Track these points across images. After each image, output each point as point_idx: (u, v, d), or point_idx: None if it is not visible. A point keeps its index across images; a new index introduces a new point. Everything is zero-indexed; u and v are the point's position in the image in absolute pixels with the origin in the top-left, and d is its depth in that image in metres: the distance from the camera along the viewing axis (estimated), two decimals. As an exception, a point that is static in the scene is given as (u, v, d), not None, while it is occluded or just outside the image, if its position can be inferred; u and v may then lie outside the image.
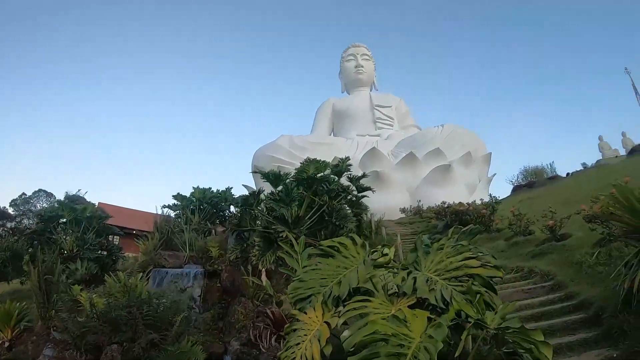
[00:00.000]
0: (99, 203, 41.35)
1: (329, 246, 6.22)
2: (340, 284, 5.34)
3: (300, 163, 16.50)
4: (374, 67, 55.23)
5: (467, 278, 4.96)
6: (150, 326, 10.47)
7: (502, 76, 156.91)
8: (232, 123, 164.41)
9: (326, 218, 15.47)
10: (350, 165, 19.29)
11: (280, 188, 15.94)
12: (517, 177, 41.72)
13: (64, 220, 20.75)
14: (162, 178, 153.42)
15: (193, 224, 21.67)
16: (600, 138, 48.06)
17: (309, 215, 15.40)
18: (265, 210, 15.83)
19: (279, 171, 16.09)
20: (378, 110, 49.05)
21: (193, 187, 23.73)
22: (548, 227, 13.18)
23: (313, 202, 15.52)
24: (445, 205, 21.70)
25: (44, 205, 41.18)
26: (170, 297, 12.04)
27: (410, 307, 4.61)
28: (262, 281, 14.28)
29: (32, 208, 41.84)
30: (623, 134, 47.48)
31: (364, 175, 19.94)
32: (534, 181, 35.19)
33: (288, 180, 16.19)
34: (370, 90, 53.85)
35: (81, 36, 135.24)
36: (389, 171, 35.04)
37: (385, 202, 31.88)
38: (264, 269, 14.75)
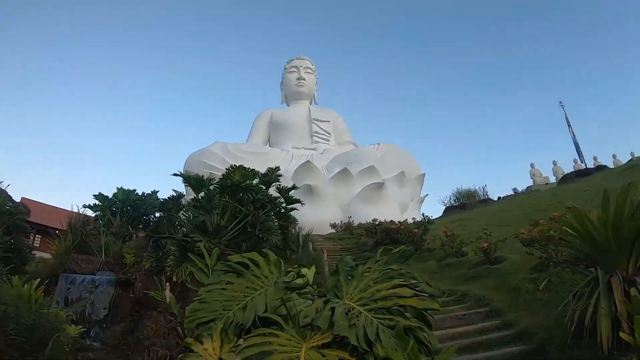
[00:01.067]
0: (22, 198, 38.94)
1: (238, 262, 5.01)
2: (245, 309, 4.15)
3: (226, 169, 15.27)
4: (316, 81, 54.39)
5: (397, 309, 3.98)
6: (18, 347, 8.61)
7: (439, 101, 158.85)
8: (169, 127, 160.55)
9: (249, 229, 14.26)
10: (280, 175, 18.24)
11: (202, 194, 14.67)
12: (450, 198, 41.41)
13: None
14: (96, 176, 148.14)
15: (113, 227, 20.02)
16: (532, 165, 49.30)
17: (231, 226, 14.26)
18: (186, 217, 14.67)
19: (202, 176, 14.73)
20: (316, 124, 48.24)
21: (117, 188, 22.02)
22: (482, 250, 12.33)
23: (239, 211, 14.49)
24: (377, 223, 20.67)
25: None
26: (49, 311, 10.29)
27: (326, 345, 3.56)
28: (166, 296, 13.03)
29: None
30: (554, 163, 48.87)
31: (293, 187, 18.85)
32: (466, 203, 34.96)
33: (212, 187, 14.91)
34: (310, 104, 52.93)
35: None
36: (322, 185, 34.24)
37: (317, 216, 31.30)
38: (167, 284, 13.38)
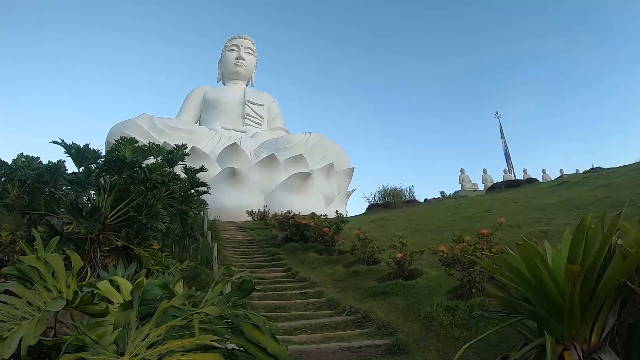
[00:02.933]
0: None
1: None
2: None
3: (115, 141, 13.10)
4: (256, 63, 51.88)
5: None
6: None
7: (375, 98, 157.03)
8: (99, 98, 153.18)
9: (131, 213, 12.00)
10: (186, 155, 15.98)
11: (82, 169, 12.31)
12: (375, 195, 39.59)
13: None
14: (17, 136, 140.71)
15: (9, 197, 17.35)
16: (461, 171, 48.48)
17: (117, 209, 11.94)
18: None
19: (86, 145, 12.35)
20: (249, 106, 46.00)
21: (18, 155, 19.25)
22: (396, 260, 10.34)
23: (129, 192, 12.14)
24: (290, 215, 18.54)
25: None
26: None
27: None
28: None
29: None
30: (484, 171, 48.45)
31: (201, 169, 16.54)
32: (390, 202, 33.20)
33: (100, 161, 12.56)
34: (247, 86, 50.51)
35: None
36: (247, 170, 32.34)
37: (237, 202, 30.07)
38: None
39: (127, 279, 9.78)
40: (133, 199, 12.21)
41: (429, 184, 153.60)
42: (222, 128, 42.09)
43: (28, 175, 13.33)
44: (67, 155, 12.69)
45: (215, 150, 34.42)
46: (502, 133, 49.40)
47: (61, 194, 12.42)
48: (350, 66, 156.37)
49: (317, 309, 10.05)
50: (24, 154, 18.49)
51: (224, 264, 14.09)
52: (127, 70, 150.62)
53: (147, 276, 11.11)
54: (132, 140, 13.19)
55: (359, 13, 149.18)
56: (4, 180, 16.80)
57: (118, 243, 11.28)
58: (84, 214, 11.55)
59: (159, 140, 26.06)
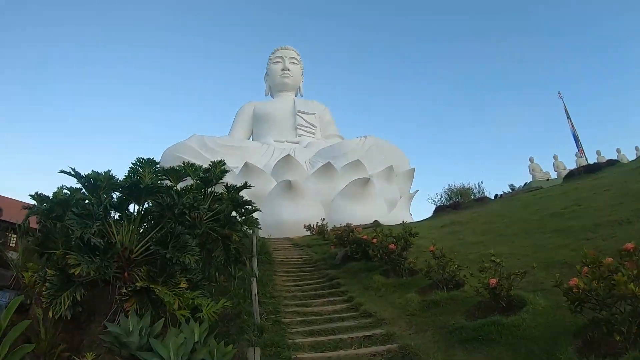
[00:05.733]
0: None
1: None
2: None
3: (132, 163, 11.07)
4: (302, 72, 49.68)
5: None
6: None
7: (430, 92, 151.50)
8: (146, 120, 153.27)
9: (151, 248, 9.77)
10: (226, 171, 13.71)
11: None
12: (441, 196, 36.22)
13: None
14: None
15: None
16: (530, 160, 43.63)
17: (142, 243, 9.99)
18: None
19: (96, 174, 10.19)
20: (300, 116, 43.76)
21: (58, 188, 17.33)
22: (489, 288, 7.52)
23: (157, 222, 10.48)
24: (349, 229, 15.79)
25: None
26: None
27: None
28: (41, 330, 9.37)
29: None
30: (555, 157, 43.64)
31: (245, 186, 14.21)
32: (459, 202, 29.96)
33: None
34: (296, 96, 48.40)
35: None
36: (303, 181, 30.16)
37: (295, 215, 27.93)
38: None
39: (140, 332, 8.16)
40: (161, 229, 9.99)
41: (495, 178, 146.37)
42: (274, 141, 40.27)
43: (39, 210, 11.33)
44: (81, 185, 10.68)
45: (270, 164, 32.54)
46: (567, 114, 45.59)
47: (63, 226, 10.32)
48: (398, 60, 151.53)
49: (386, 362, 7.56)
50: (65, 187, 16.44)
51: (272, 296, 11.62)
52: (176, 94, 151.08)
53: (171, 323, 8.56)
54: (153, 162, 11.09)
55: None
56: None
57: (137, 284, 9.02)
58: (97, 252, 9.42)
59: (211, 159, 24.27)
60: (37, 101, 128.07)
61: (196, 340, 8.03)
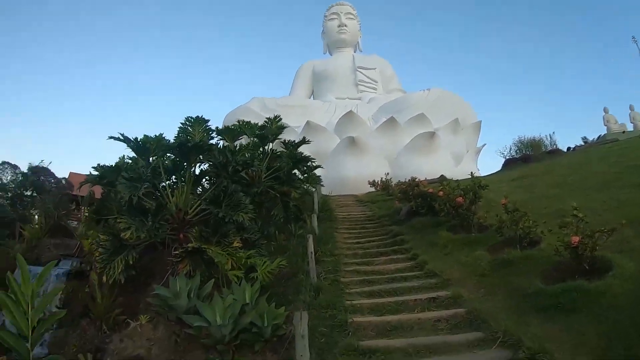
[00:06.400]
0: (70, 173, 36.67)
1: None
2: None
3: (181, 123, 10.42)
4: (359, 27, 48.29)
5: None
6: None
7: (497, 40, 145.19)
8: (205, 83, 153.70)
9: (203, 207, 9.34)
10: (283, 127, 13.10)
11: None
12: (510, 149, 34.61)
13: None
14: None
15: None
16: (605, 110, 40.24)
17: (195, 204, 9.74)
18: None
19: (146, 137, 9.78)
20: (360, 72, 42.65)
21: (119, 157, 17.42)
22: (570, 247, 6.60)
23: (214, 181, 10.44)
24: (414, 183, 14.90)
25: (10, 177, 36.42)
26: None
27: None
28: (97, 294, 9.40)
29: None
30: (631, 108, 40.01)
31: (304, 141, 13.59)
32: (529, 155, 28.53)
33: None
34: (354, 52, 47.14)
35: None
36: (367, 137, 29.39)
37: (359, 172, 27.23)
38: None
39: (189, 294, 7.92)
40: (216, 189, 9.54)
41: (567, 130, 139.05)
42: (336, 99, 39.45)
43: (93, 179, 11.11)
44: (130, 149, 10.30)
45: (332, 121, 31.90)
46: (643, 58, 42.72)
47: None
48: (460, 9, 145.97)
49: (452, 328, 6.83)
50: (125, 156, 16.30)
51: (332, 254, 11.02)
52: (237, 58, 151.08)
53: (226, 284, 8.51)
54: (203, 120, 10.68)
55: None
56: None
57: (189, 245, 8.62)
58: (148, 215, 9.05)
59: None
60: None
61: (246, 301, 7.58)
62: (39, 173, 31.22)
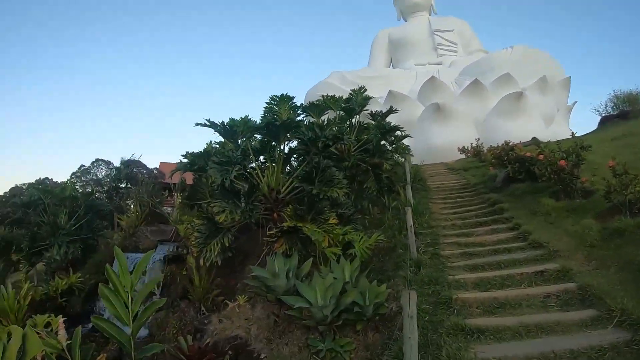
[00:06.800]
0: (160, 163, 39.15)
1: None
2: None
3: (266, 103, 10.41)
4: (432, -11, 46.65)
5: None
6: None
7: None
8: (284, 61, 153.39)
9: (295, 185, 9.24)
10: (368, 97, 12.82)
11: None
12: (606, 105, 32.35)
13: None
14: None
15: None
16: None
17: (287, 183, 9.70)
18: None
19: (232, 121, 9.69)
20: (438, 35, 41.04)
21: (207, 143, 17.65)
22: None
23: (304, 158, 10.20)
24: (509, 147, 14.19)
25: (104, 172, 39.36)
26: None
27: None
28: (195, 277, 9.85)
29: (93, 177, 39.07)
30: None
31: (391, 110, 13.26)
32: (627, 111, 26.71)
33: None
34: (429, 15, 45.41)
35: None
36: (452, 102, 28.31)
37: (446, 139, 26.47)
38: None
39: (287, 274, 7.83)
40: (307, 166, 9.41)
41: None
42: (416, 65, 38.28)
43: (182, 165, 11.26)
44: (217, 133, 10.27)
45: (414, 89, 30.93)
46: None
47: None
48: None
49: (562, 305, 6.36)
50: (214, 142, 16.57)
51: (429, 226, 10.68)
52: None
53: (323, 262, 8.47)
54: (288, 98, 10.48)
55: None
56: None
57: (285, 224, 8.55)
58: (241, 196, 9.04)
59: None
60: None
61: (346, 280, 7.40)
62: (131, 166, 32.55)
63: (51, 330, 8.46)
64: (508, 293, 6.84)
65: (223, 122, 9.46)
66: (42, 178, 36.50)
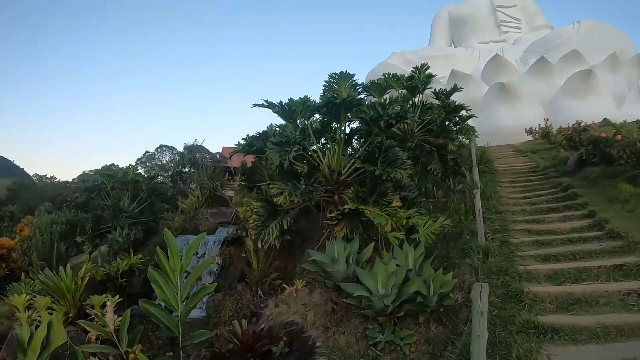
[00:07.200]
0: (222, 147, 38.35)
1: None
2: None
3: (324, 82, 9.91)
4: (491, -37, 44.96)
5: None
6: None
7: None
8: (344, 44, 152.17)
9: (356, 165, 8.78)
10: (432, 75, 12.28)
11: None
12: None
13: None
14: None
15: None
16: None
17: (349, 164, 9.23)
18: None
19: (291, 101, 9.34)
20: (501, 11, 39.63)
21: (267, 126, 17.58)
22: None
23: (366, 138, 9.70)
24: (581, 128, 13.31)
25: (168, 158, 41.30)
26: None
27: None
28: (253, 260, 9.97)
29: (158, 163, 40.25)
30: None
31: (455, 89, 12.69)
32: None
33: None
34: (490, -10, 44.06)
35: None
36: (517, 81, 27.10)
37: (512, 120, 25.28)
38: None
39: (347, 259, 7.40)
40: (369, 146, 8.96)
41: None
42: (478, 43, 37.32)
43: (240, 147, 10.98)
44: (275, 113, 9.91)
45: (477, 68, 30.09)
46: None
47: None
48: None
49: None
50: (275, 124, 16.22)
51: (497, 211, 10.05)
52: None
53: (385, 247, 8.06)
54: (348, 75, 10.14)
55: None
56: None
57: (346, 206, 8.13)
58: (301, 178, 8.66)
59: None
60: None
61: (410, 267, 6.90)
62: (194, 150, 33.06)
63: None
64: (584, 288, 6.23)
65: (281, 102, 9.12)
66: (108, 164, 37.65)
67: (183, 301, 5.15)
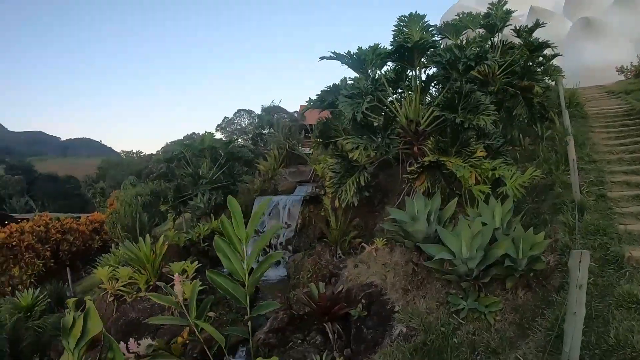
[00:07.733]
0: (300, 106, 38.03)
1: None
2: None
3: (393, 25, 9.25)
4: None
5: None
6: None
7: None
8: None
9: (435, 114, 8.12)
10: (510, 11, 11.38)
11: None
12: None
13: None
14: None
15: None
16: None
17: (428, 113, 8.56)
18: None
19: (359, 49, 8.71)
20: None
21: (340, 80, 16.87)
22: None
23: (444, 84, 8.97)
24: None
25: (247, 121, 41.49)
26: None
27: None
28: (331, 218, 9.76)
29: (237, 127, 40.71)
30: None
31: (537, 25, 11.76)
32: None
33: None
34: None
35: None
36: (603, 16, 24.79)
37: (600, 59, 22.99)
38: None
39: (428, 217, 6.87)
40: (447, 92, 8.26)
41: None
42: (555, -25, 34.23)
43: (312, 103, 10.51)
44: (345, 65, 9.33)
45: (558, 2, 27.92)
46: None
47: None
48: None
49: None
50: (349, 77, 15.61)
51: (591, 160, 9.11)
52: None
53: (469, 202, 7.56)
54: (419, 17, 9.13)
55: None
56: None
57: (425, 159, 7.47)
58: (377, 131, 8.11)
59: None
60: None
61: (497, 225, 6.17)
62: (272, 112, 32.93)
63: (187, 276, 8.60)
64: None
65: (350, 52, 8.51)
66: (189, 134, 38.39)
67: (250, 270, 4.87)
